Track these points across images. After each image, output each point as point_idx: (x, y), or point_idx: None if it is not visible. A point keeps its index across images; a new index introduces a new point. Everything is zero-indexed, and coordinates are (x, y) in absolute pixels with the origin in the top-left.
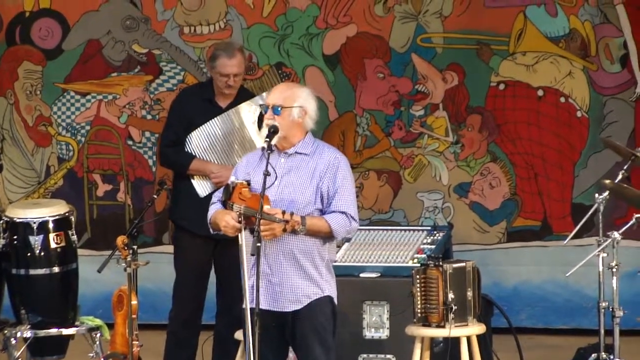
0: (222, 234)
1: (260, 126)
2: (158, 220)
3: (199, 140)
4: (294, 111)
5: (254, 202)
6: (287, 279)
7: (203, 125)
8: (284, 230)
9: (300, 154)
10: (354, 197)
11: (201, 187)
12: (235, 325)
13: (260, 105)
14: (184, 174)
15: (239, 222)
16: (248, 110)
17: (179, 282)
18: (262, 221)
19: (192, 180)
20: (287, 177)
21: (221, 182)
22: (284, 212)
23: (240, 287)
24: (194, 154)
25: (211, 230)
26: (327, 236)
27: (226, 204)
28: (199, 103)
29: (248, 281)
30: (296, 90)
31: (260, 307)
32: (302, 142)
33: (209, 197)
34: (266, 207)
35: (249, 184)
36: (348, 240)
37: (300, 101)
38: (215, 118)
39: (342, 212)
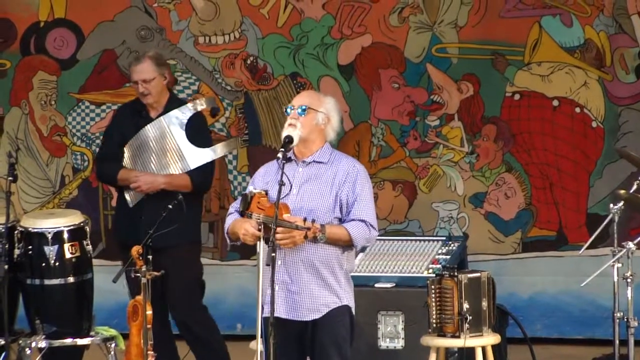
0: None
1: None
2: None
3: (128, 151)
4: (319, 116)
5: (273, 211)
6: (306, 288)
7: (134, 137)
8: (305, 237)
9: (318, 162)
10: (373, 205)
11: (130, 197)
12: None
13: (287, 109)
14: (116, 186)
15: (259, 230)
16: (175, 118)
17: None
18: (281, 229)
19: (124, 191)
20: (306, 186)
21: (139, 188)
22: (305, 220)
23: (178, 293)
24: (125, 165)
25: (228, 240)
26: (346, 245)
27: (244, 213)
28: (130, 116)
29: (266, 291)
30: (323, 97)
31: (280, 316)
32: (320, 150)
33: (140, 206)
34: (286, 216)
35: (266, 193)
36: (363, 250)
37: (326, 107)
38: (143, 128)
39: (362, 221)
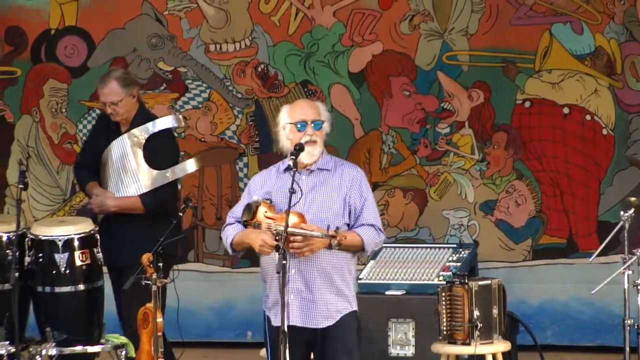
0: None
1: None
2: (183, 238)
3: (100, 166)
4: (326, 126)
5: (285, 220)
6: (320, 295)
7: (103, 152)
8: (330, 245)
9: (322, 170)
10: (377, 209)
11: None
12: None
13: (296, 123)
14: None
15: (276, 240)
16: (136, 138)
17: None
18: (300, 238)
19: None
20: (312, 194)
21: (93, 210)
22: (328, 228)
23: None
24: (101, 179)
25: (230, 251)
26: (357, 250)
27: (249, 223)
28: (105, 128)
29: (282, 300)
30: (320, 105)
31: (294, 324)
32: (322, 158)
33: (109, 226)
34: (303, 225)
35: (270, 202)
36: (374, 257)
37: (326, 116)
38: (110, 144)
39: (371, 225)
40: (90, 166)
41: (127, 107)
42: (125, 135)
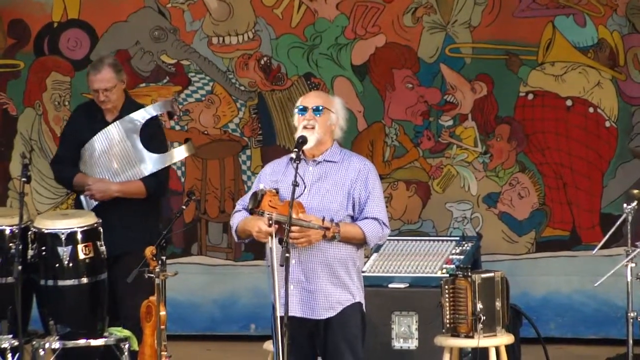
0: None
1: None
2: (187, 231)
3: (84, 155)
4: (332, 116)
5: (286, 210)
6: (321, 287)
7: (89, 141)
8: (324, 236)
9: (329, 161)
10: (384, 203)
11: (86, 201)
12: None
13: (298, 110)
14: (72, 190)
15: (270, 225)
16: (131, 123)
17: None
18: (297, 228)
19: (80, 196)
20: (317, 185)
21: (93, 196)
22: (323, 219)
23: (130, 305)
24: (81, 169)
25: (236, 238)
26: (360, 243)
27: (254, 211)
28: (88, 119)
29: (281, 290)
30: (331, 97)
31: (294, 315)
32: (330, 150)
33: (97, 212)
34: (301, 214)
35: (277, 191)
36: (377, 250)
37: (336, 108)
38: (98, 133)
39: (374, 219)
40: (72, 160)
41: (118, 93)
42: (117, 123)
